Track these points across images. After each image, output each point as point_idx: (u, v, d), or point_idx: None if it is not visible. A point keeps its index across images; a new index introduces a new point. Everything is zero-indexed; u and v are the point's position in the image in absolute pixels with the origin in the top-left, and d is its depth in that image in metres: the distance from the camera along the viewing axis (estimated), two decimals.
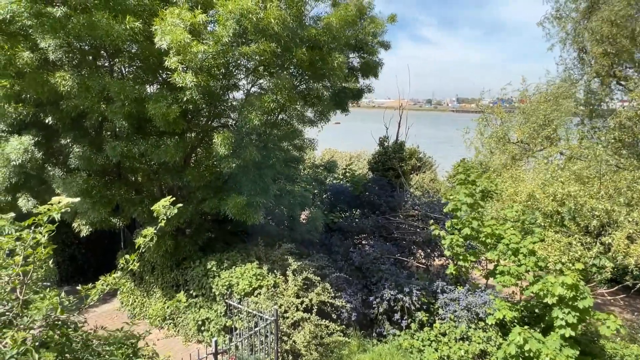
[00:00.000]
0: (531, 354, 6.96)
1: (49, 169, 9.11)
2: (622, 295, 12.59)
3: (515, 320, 7.89)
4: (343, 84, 10.13)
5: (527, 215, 9.17)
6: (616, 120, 9.37)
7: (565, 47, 10.68)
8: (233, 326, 8.30)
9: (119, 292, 11.10)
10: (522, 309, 8.09)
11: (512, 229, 8.54)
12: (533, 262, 7.94)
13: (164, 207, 3.34)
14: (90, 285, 3.32)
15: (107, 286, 3.38)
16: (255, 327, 7.58)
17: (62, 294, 3.26)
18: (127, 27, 6.92)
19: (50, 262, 3.28)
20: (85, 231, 9.70)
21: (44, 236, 2.95)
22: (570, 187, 8.88)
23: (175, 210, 3.37)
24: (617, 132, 9.36)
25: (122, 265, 3.36)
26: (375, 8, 10.19)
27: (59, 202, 3.09)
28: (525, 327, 7.57)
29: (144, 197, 9.48)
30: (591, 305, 7.00)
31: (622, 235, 8.18)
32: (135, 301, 10.57)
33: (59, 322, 3.05)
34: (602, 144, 9.58)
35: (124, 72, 8.98)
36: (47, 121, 8.48)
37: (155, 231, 3.31)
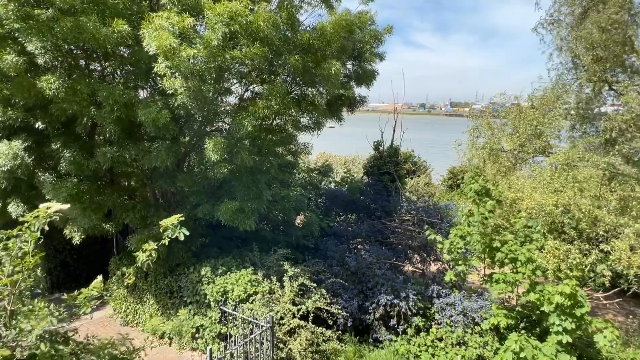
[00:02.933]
0: None
1: (39, 174, 8.98)
2: (617, 300, 12.64)
3: (512, 327, 7.84)
4: (339, 92, 10.06)
5: (529, 222, 9.11)
6: (610, 123, 9.38)
7: (561, 53, 10.70)
8: (228, 333, 8.19)
9: (111, 300, 10.94)
10: (517, 316, 8.05)
11: (511, 235, 8.45)
12: (530, 270, 7.87)
13: (172, 224, 3.25)
14: (76, 292, 3.24)
15: (96, 292, 3.29)
16: (251, 334, 7.48)
17: (52, 305, 3.16)
18: (115, 30, 6.84)
19: (39, 270, 3.17)
20: (77, 238, 9.55)
21: (30, 245, 2.87)
22: (580, 200, 8.81)
23: (187, 233, 3.28)
24: (610, 135, 9.36)
25: (117, 277, 3.28)
26: (376, 21, 9.96)
27: (48, 209, 3.01)
28: (522, 331, 7.54)
29: (137, 202, 9.37)
30: (588, 311, 7.00)
31: (624, 245, 8.17)
32: (128, 308, 10.41)
33: (48, 335, 2.96)
34: (594, 152, 9.61)
35: (115, 76, 8.89)
36: (37, 126, 8.36)
37: (156, 246, 3.22)
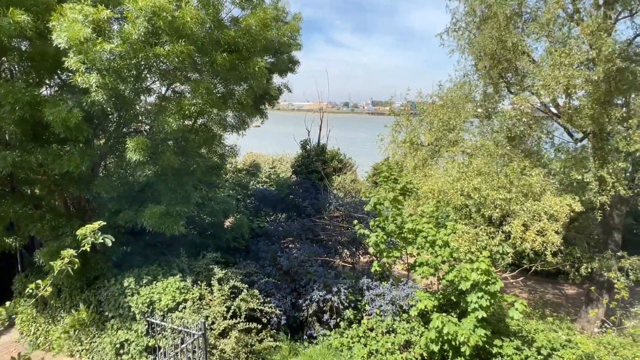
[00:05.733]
0: (449, 337, 7.53)
1: None
2: (521, 278, 14.21)
3: (435, 309, 8.43)
4: (264, 87, 10.07)
5: (440, 210, 9.91)
6: (505, 119, 10.61)
7: (463, 55, 11.74)
8: (157, 345, 7.78)
9: (17, 321, 9.79)
10: (440, 297, 8.67)
11: (428, 223, 9.15)
12: (448, 253, 8.59)
13: (91, 232, 3.01)
14: None
15: (7, 316, 2.96)
16: (182, 343, 7.19)
17: None
18: (12, 21, 6.16)
19: None
20: None
21: None
22: (474, 180, 9.80)
23: (112, 239, 3.05)
24: (506, 129, 10.58)
25: (30, 291, 2.95)
26: (291, 11, 10.44)
27: None
28: (444, 313, 8.17)
29: (45, 212, 8.49)
30: (502, 286, 7.79)
31: (519, 223, 9.21)
32: (38, 329, 9.40)
33: None
34: (494, 141, 10.75)
35: (13, 72, 7.98)
36: None
37: (75, 253, 2.96)
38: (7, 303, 2.97)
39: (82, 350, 8.74)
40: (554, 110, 11.27)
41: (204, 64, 8.00)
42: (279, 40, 9.62)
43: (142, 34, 6.56)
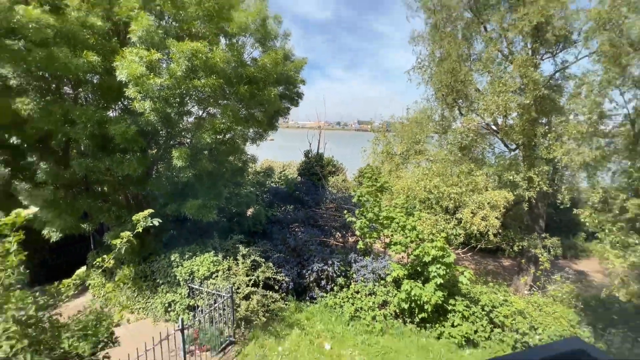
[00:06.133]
0: (415, 297, 7.52)
1: (16, 183, 7.69)
2: (469, 254, 14.18)
3: (405, 277, 8.44)
4: (277, 108, 10.07)
5: (409, 202, 9.89)
6: (456, 134, 10.63)
7: (427, 86, 11.75)
8: (196, 305, 7.74)
9: (90, 287, 9.73)
10: (409, 268, 8.67)
11: (400, 212, 9.14)
12: (415, 235, 8.58)
13: (143, 217, 2.97)
14: (56, 283, 2.85)
15: (78, 280, 2.91)
16: (215, 303, 7.15)
17: (37, 294, 2.75)
18: (86, 60, 6.13)
19: (22, 267, 2.72)
20: (55, 237, 8.34)
21: (13, 245, 2.45)
22: (434, 180, 9.78)
23: (159, 221, 3.02)
24: (458, 142, 10.59)
25: (98, 263, 2.91)
26: (297, 54, 10.41)
27: (21, 213, 2.60)
28: (412, 280, 8.16)
29: (111, 205, 8.44)
30: (455, 258, 7.78)
31: (468, 211, 9.19)
32: (107, 292, 9.33)
33: (32, 319, 2.56)
34: (448, 151, 10.76)
35: (88, 99, 7.93)
36: (12, 141, 7.16)
37: (131, 235, 2.93)
38: (79, 270, 2.93)
39: (140, 309, 8.69)
40: (494, 127, 11.27)
41: (230, 93, 7.97)
42: (287, 73, 9.59)
43: (184, 70, 6.54)
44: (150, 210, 3.12)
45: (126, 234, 2.89)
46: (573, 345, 1.14)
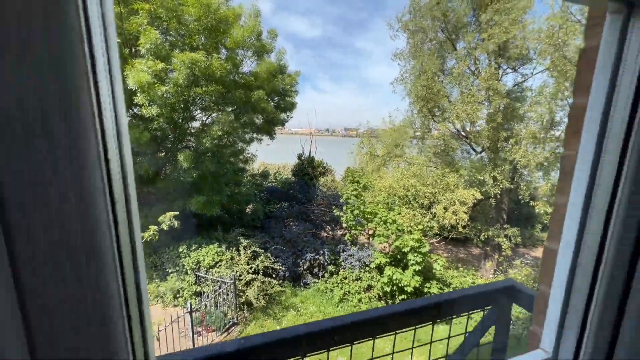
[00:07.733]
0: (396, 281, 7.70)
1: None
2: (442, 243, 14.49)
3: (387, 264, 8.63)
4: (271, 116, 10.09)
5: (390, 199, 10.10)
6: (432, 140, 10.92)
7: (408, 97, 12.00)
8: (202, 291, 7.74)
9: None
10: (390, 256, 8.85)
11: (382, 208, 9.32)
12: (395, 227, 8.76)
13: (168, 218, 3.05)
14: None
15: None
16: (219, 289, 7.18)
17: None
18: None
19: None
20: None
21: None
22: (411, 180, 10.02)
23: (177, 223, 3.08)
24: (433, 147, 10.88)
25: None
26: (291, 68, 10.46)
27: None
28: (393, 267, 8.36)
29: None
30: (429, 249, 7.99)
31: (441, 207, 9.46)
32: None
33: None
34: (425, 156, 11.04)
35: None
36: None
37: (157, 229, 2.99)
38: None
39: (150, 295, 8.63)
40: (463, 133, 11.61)
41: (229, 99, 8.01)
42: (282, 86, 9.66)
43: (185, 78, 6.55)
44: (175, 213, 3.19)
45: (152, 228, 2.95)
46: (507, 283, 1.37)
